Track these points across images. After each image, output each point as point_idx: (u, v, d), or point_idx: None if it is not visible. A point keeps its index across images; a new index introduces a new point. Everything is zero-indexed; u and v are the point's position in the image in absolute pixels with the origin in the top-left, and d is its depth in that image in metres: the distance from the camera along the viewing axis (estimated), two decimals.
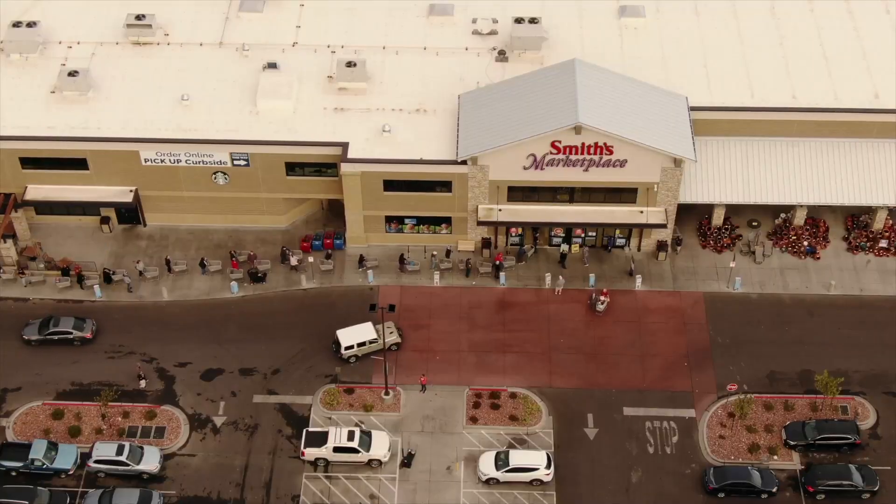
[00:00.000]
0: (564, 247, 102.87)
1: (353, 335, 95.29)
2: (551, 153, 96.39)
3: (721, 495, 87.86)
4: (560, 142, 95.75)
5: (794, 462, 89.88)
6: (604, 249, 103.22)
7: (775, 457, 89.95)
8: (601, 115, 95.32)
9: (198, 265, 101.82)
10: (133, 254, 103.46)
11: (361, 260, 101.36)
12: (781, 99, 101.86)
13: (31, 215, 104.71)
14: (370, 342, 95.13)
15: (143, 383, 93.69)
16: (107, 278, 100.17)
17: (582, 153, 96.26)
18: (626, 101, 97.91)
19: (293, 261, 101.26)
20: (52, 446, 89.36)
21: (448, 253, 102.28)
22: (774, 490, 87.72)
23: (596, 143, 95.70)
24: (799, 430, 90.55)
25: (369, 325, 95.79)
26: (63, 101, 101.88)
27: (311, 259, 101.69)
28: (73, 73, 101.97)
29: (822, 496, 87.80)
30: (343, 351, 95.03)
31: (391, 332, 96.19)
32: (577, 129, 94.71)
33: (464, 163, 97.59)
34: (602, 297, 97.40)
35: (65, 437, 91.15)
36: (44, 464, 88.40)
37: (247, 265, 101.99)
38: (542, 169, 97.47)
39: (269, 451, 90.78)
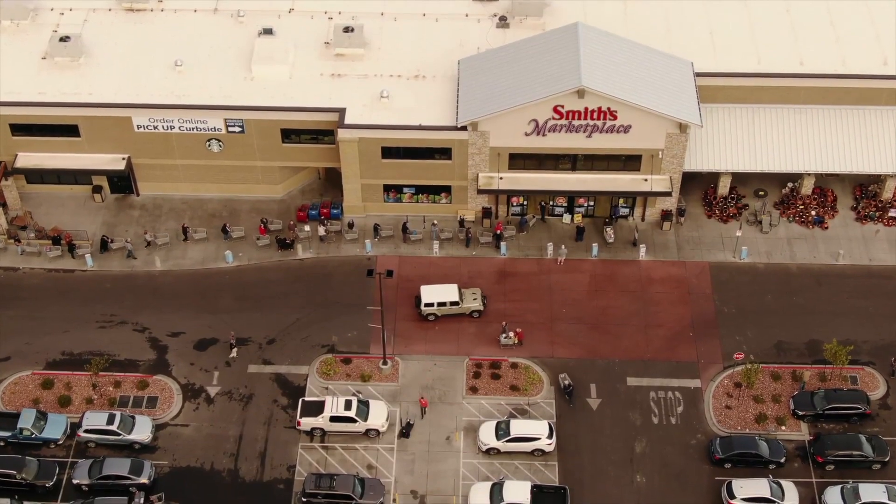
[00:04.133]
0: (567, 216, 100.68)
1: (436, 294, 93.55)
2: (554, 118, 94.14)
3: (727, 466, 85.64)
4: (562, 106, 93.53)
5: (802, 432, 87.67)
6: (610, 219, 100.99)
7: (783, 427, 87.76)
8: (605, 78, 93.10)
9: (220, 231, 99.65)
10: (125, 223, 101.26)
11: (376, 229, 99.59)
12: (788, 65, 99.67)
13: (21, 184, 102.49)
14: (451, 304, 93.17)
15: (234, 352, 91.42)
16: (104, 246, 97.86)
17: (585, 118, 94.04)
18: (631, 65, 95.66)
19: (321, 231, 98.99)
20: (41, 416, 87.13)
21: (462, 222, 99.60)
22: (782, 460, 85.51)
23: (599, 108, 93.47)
24: (807, 400, 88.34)
25: (455, 286, 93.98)
26: (54, 67, 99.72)
27: (305, 228, 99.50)
28: (64, 39, 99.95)
29: (832, 467, 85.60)
30: (422, 307, 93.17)
31: (475, 298, 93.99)
32: (581, 93, 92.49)
33: (464, 128, 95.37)
34: (510, 334, 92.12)
35: (54, 406, 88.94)
36: (32, 433, 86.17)
37: (276, 233, 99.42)
38: (544, 135, 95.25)
39: (264, 421, 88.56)
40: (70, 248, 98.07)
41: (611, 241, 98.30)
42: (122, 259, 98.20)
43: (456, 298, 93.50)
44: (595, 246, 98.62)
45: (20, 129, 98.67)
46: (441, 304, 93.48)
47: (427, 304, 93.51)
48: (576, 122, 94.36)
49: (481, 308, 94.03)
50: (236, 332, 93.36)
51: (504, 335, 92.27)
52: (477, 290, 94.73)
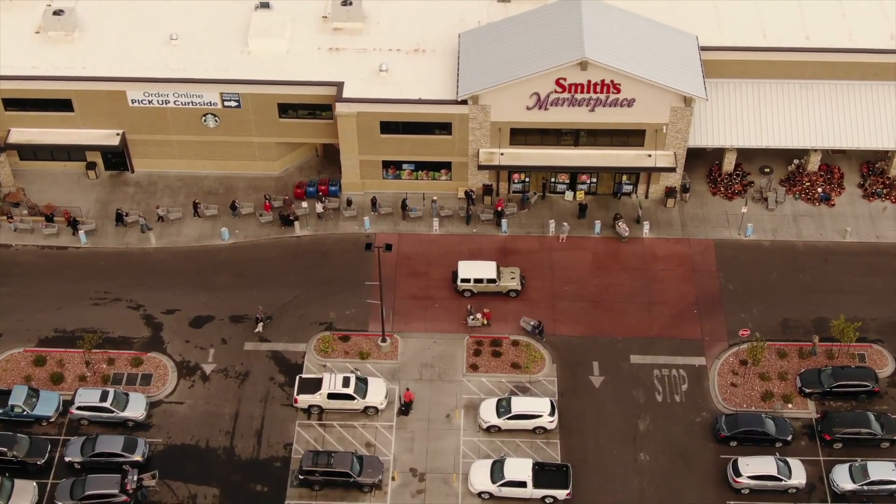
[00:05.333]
0: (569, 193, 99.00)
1: (473, 270, 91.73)
2: (556, 91, 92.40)
3: (733, 444, 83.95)
4: (565, 79, 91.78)
5: (809, 410, 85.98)
6: (613, 196, 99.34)
7: (789, 405, 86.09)
8: (608, 50, 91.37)
9: (229, 208, 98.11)
10: (120, 200, 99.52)
11: (374, 203, 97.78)
12: (794, 39, 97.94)
13: (14, 161, 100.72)
14: (488, 281, 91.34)
15: (260, 327, 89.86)
16: (119, 219, 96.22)
17: (588, 91, 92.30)
18: (634, 38, 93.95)
19: (319, 208, 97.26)
20: (33, 393, 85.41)
21: (470, 195, 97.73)
22: (789, 438, 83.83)
23: (602, 81, 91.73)
24: (814, 378, 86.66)
25: (493, 264, 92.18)
26: (48, 41, 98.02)
27: (303, 205, 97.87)
28: (58, 13, 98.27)
29: (839, 445, 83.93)
30: (459, 283, 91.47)
31: (513, 278, 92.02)
32: (583, 65, 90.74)
33: (464, 102, 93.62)
34: (478, 316, 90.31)
35: (47, 384, 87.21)
36: (24, 410, 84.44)
37: (278, 209, 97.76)
38: (546, 109, 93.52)
39: (260, 398, 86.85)
40: (72, 223, 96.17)
41: (626, 234, 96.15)
42: (117, 236, 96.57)
43: (493, 276, 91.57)
44: (598, 223, 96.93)
45: (13, 103, 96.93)
46: (478, 281, 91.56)
47: (464, 280, 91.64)
48: (578, 96, 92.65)
49: (519, 288, 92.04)
50: (232, 309, 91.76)
51: (471, 317, 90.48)
52: (515, 270, 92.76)
